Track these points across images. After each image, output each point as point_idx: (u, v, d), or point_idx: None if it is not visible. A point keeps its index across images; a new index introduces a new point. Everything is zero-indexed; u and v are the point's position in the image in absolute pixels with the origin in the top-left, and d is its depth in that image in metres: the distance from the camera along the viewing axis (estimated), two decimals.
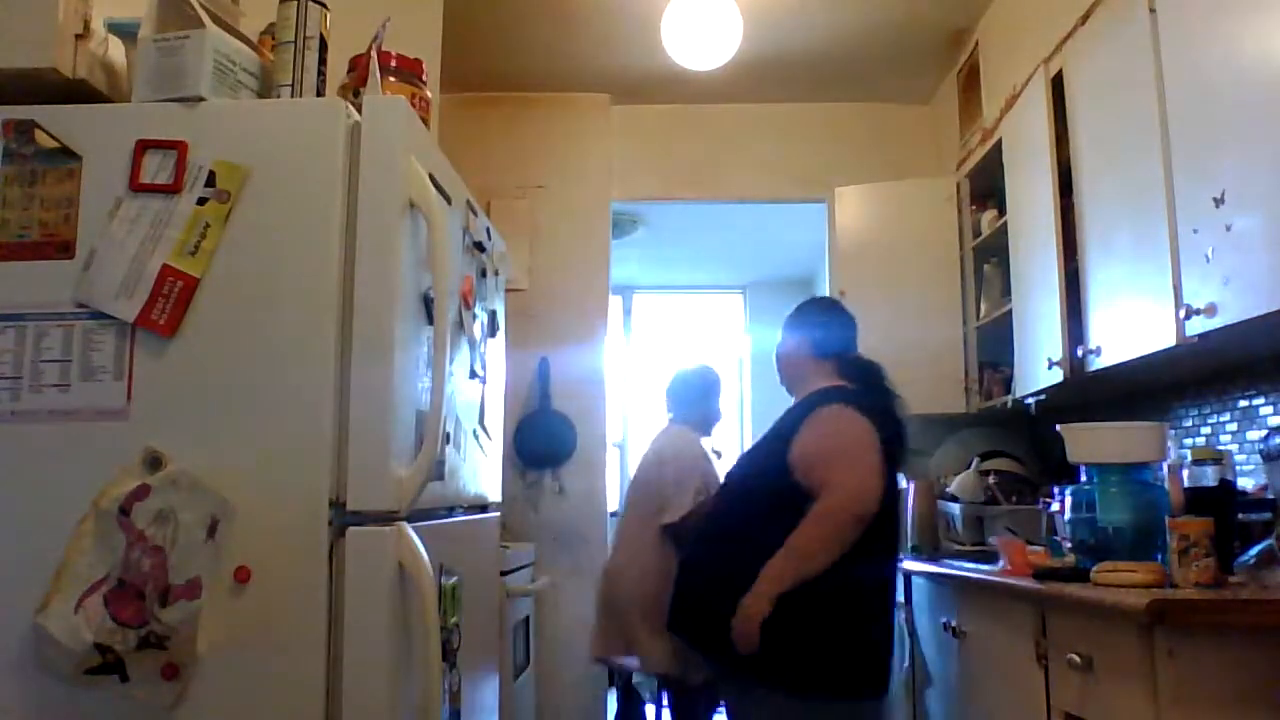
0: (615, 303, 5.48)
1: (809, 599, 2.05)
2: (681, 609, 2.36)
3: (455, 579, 1.69)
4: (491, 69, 3.91)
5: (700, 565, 2.34)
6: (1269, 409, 2.22)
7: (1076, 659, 1.71)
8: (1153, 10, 2.05)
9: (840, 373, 2.36)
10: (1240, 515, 1.85)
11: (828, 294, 4.14)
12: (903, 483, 2.64)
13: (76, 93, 1.58)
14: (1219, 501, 1.85)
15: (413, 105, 1.68)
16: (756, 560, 2.08)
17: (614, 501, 4.18)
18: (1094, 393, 2.81)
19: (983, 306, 3.46)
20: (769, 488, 2.19)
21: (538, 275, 4.06)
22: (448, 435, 1.73)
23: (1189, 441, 2.49)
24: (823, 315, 2.49)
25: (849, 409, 2.21)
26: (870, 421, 2.18)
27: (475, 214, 1.98)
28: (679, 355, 5.06)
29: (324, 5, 1.67)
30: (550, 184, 4.11)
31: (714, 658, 2.26)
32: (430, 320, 1.61)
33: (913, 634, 2.88)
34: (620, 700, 4.21)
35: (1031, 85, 2.81)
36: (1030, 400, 2.86)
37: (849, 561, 2.06)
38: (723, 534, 2.29)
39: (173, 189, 1.49)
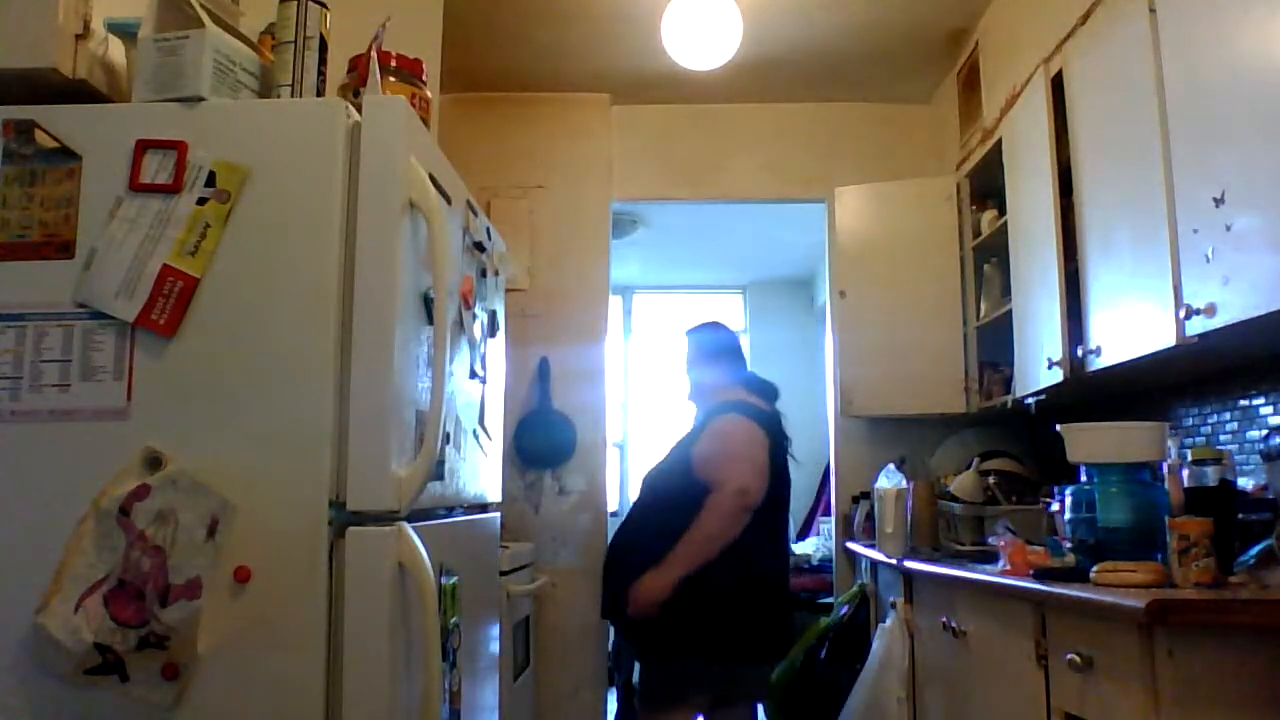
0: (615, 303, 5.48)
1: (701, 579, 2.36)
2: (605, 591, 2.62)
3: (455, 579, 1.70)
4: (491, 69, 3.91)
5: (620, 551, 2.61)
6: (1269, 409, 2.22)
7: (1076, 659, 1.71)
8: (1153, 10, 2.05)
9: (748, 389, 2.68)
10: (1240, 515, 1.85)
11: (827, 294, 4.15)
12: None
13: (76, 93, 1.58)
14: (1219, 501, 1.84)
15: (413, 105, 1.68)
16: (662, 545, 2.38)
17: (614, 501, 4.17)
18: (1094, 393, 2.81)
19: (983, 306, 3.45)
20: (676, 485, 2.48)
21: (538, 275, 4.05)
22: (448, 435, 1.73)
23: (1189, 441, 2.49)
24: (727, 342, 2.79)
25: (742, 417, 2.53)
26: (761, 428, 2.51)
27: (475, 214, 1.98)
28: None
29: (324, 5, 1.68)
30: (550, 184, 4.11)
31: (626, 629, 2.57)
32: (430, 320, 1.61)
33: (913, 634, 2.88)
34: (620, 700, 4.22)
35: (1031, 85, 2.81)
36: (1030, 400, 2.86)
37: (738, 547, 2.38)
38: (639, 525, 2.59)
39: (173, 189, 1.50)
